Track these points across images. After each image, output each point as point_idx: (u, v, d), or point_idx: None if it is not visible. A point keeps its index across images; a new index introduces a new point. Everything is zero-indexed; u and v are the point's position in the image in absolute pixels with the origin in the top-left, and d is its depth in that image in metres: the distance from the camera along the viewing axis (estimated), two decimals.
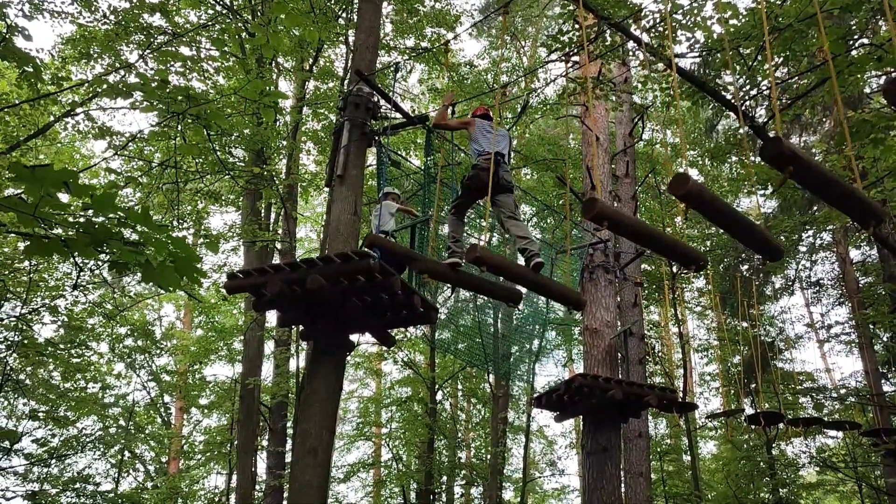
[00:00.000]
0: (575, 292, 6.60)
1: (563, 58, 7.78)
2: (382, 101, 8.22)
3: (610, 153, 12.32)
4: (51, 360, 22.11)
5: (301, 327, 7.70)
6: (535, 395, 11.14)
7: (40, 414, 23.17)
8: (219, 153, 10.95)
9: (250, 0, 15.67)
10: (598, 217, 4.70)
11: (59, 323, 22.00)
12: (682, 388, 15.18)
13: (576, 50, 8.08)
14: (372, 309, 7.15)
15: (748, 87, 8.22)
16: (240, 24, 15.02)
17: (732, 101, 7.71)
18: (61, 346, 22.68)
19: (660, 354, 19.78)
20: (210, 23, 16.56)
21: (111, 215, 2.55)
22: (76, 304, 22.02)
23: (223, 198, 13.25)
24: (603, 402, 9.99)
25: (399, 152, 14.54)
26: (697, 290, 20.33)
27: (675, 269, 17.68)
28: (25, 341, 21.30)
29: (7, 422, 23.64)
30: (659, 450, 21.49)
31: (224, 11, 15.69)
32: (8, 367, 21.80)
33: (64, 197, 2.68)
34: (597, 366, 10.75)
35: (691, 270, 5.11)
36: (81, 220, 2.52)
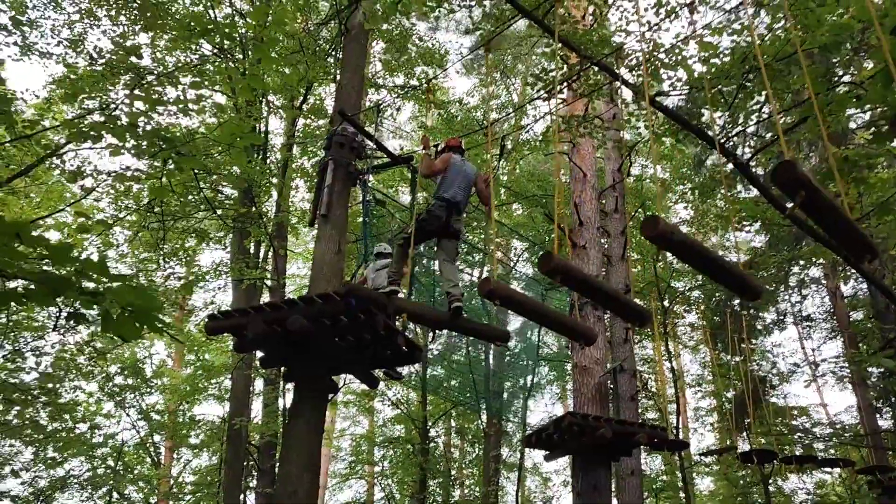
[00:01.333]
0: (588, 327, 6.52)
1: (547, 95, 7.81)
2: (368, 141, 8.25)
3: (598, 189, 12.35)
4: (38, 400, 21.88)
5: (284, 368, 7.62)
6: (526, 435, 11.01)
7: (28, 455, 22.85)
8: (205, 192, 10.95)
9: (239, 40, 15.81)
10: (553, 272, 4.69)
11: (44, 365, 21.82)
12: (675, 425, 15.07)
13: (560, 88, 8.13)
14: (355, 349, 7.08)
15: (730, 124, 8.27)
16: (229, 65, 15.13)
17: (716, 137, 7.74)
18: (48, 386, 22.46)
19: (653, 390, 19.65)
20: (198, 63, 16.71)
21: (69, 266, 2.51)
22: (64, 345, 21.87)
23: (211, 236, 13.20)
24: (593, 441, 9.88)
25: (385, 191, 14.57)
26: (689, 326, 20.29)
27: (666, 304, 17.66)
28: (12, 382, 21.09)
29: None
30: (654, 487, 21.24)
31: (214, 52, 15.82)
32: None
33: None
34: (587, 403, 10.65)
35: (636, 325, 5.09)
36: (38, 270, 2.47)
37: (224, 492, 12.90)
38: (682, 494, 21.32)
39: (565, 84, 8.02)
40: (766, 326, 20.33)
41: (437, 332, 7.84)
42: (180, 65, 16.10)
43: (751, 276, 4.70)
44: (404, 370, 23.05)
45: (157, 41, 15.64)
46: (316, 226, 7.78)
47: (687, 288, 19.11)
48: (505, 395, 18.31)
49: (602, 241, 12.16)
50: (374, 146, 8.11)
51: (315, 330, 6.55)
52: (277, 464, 14.06)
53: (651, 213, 4.30)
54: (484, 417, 19.01)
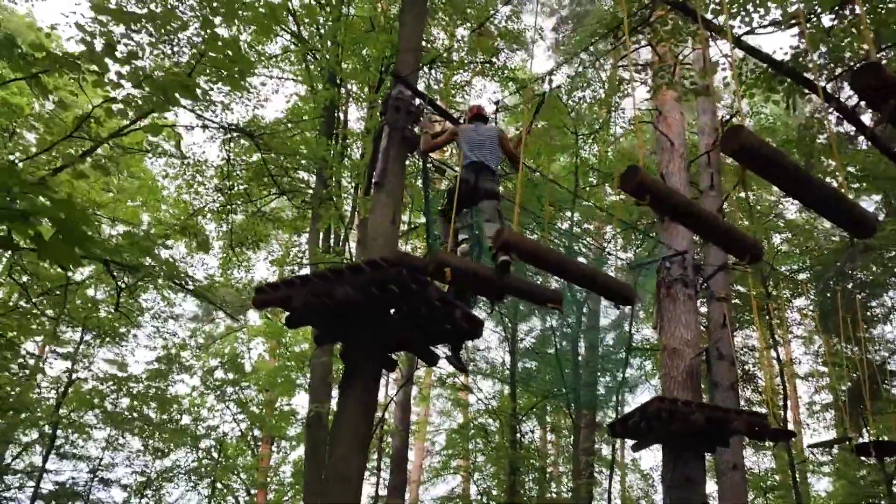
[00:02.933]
0: (625, 286, 5.81)
1: (615, 42, 7.12)
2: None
3: (686, 160, 11.44)
4: (147, 392, 22.68)
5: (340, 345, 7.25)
6: (611, 423, 10.26)
7: (137, 445, 23.71)
8: (275, 175, 10.79)
9: (318, 29, 15.66)
10: (638, 190, 4.02)
11: (151, 359, 22.57)
12: (782, 417, 13.89)
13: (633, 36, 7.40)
14: (409, 323, 6.59)
15: (832, 65, 7.31)
16: (309, 53, 15.00)
17: (817, 81, 6.84)
18: (156, 381, 23.26)
19: (758, 381, 18.33)
20: (282, 53, 16.71)
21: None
22: (168, 339, 22.55)
23: (288, 221, 13.09)
24: (683, 428, 9.06)
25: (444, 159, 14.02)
26: (798, 311, 18.80)
27: (770, 288, 16.39)
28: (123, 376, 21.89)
29: (106, 454, 24.33)
30: (763, 485, 19.85)
31: (292, 41, 15.75)
32: (107, 403, 22.45)
33: None
34: (677, 388, 9.81)
35: (745, 261, 4.33)
36: None
37: (305, 483, 12.70)
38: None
39: (644, 25, 7.28)
40: (886, 311, 18.59)
41: (494, 301, 7.26)
42: (262, 57, 16.16)
43: (859, 205, 3.89)
44: (497, 358, 22.57)
45: (240, 33, 15.71)
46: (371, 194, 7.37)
47: (793, 270, 17.70)
48: (601, 389, 17.50)
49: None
50: (433, 109, 7.63)
51: (363, 301, 6.12)
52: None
53: (735, 124, 3.59)
54: (574, 410, 18.20)
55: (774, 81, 7.26)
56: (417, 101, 7.68)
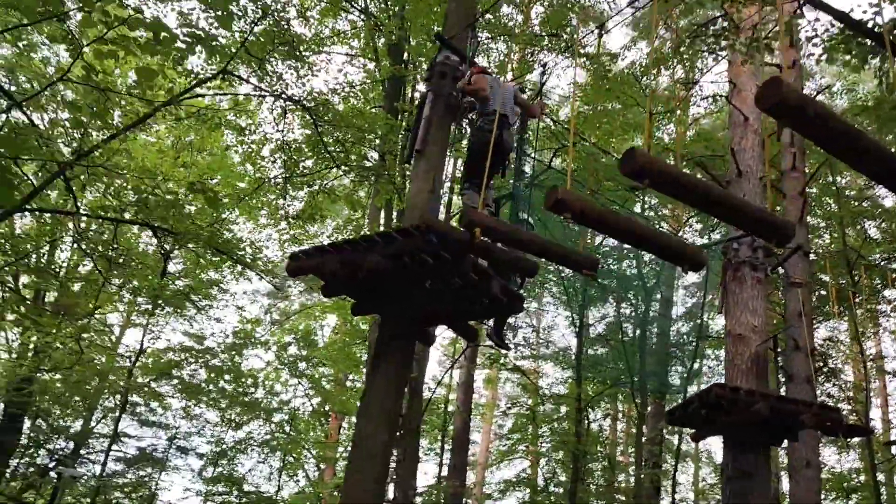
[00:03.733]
0: (696, 250, 5.26)
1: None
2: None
3: (762, 136, 10.73)
4: (223, 366, 23.38)
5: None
6: (668, 410, 9.79)
7: (213, 417, 24.44)
8: (330, 149, 10.70)
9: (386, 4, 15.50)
10: (638, 173, 3.67)
11: (227, 333, 23.18)
12: (865, 413, 13.04)
13: None
14: (445, 296, 6.35)
15: None
16: (375, 27, 14.87)
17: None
18: (231, 355, 23.92)
19: (843, 377, 17.31)
20: (349, 30, 16.64)
21: None
22: (243, 313, 23.08)
23: (343, 195, 13.05)
24: (744, 418, 8.53)
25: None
26: (888, 303, 17.61)
27: (857, 277, 15.38)
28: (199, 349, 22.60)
29: (184, 422, 25.18)
30: (844, 486, 18.79)
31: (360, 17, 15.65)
32: (184, 374, 23.24)
33: None
34: (741, 377, 9.23)
35: (773, 243, 3.89)
36: None
37: None
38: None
39: None
40: None
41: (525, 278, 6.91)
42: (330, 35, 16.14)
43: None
44: (564, 343, 22.11)
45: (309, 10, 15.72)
46: (412, 163, 7.14)
47: (885, 259, 16.57)
48: (676, 380, 16.93)
49: (765, 195, 10.56)
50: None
51: (395, 270, 5.91)
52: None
53: (774, 76, 3.15)
54: (639, 398, 17.63)
55: (852, 44, 6.63)
56: (465, 66, 7.39)
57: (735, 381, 9.27)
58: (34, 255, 16.04)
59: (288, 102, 10.23)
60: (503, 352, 22.46)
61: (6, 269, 15.82)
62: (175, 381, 23.13)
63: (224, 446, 25.87)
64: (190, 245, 9.95)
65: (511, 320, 20.16)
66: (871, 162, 3.48)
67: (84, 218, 9.68)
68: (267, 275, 13.66)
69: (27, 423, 20.07)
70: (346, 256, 6.02)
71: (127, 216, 9.10)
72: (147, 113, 8.47)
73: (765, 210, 4.32)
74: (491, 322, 7.11)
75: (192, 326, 25.23)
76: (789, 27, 11.23)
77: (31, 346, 18.24)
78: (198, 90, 9.59)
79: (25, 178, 7.63)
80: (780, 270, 11.31)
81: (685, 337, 18.06)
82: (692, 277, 18.62)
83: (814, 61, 10.40)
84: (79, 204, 8.58)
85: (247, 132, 12.34)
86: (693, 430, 9.63)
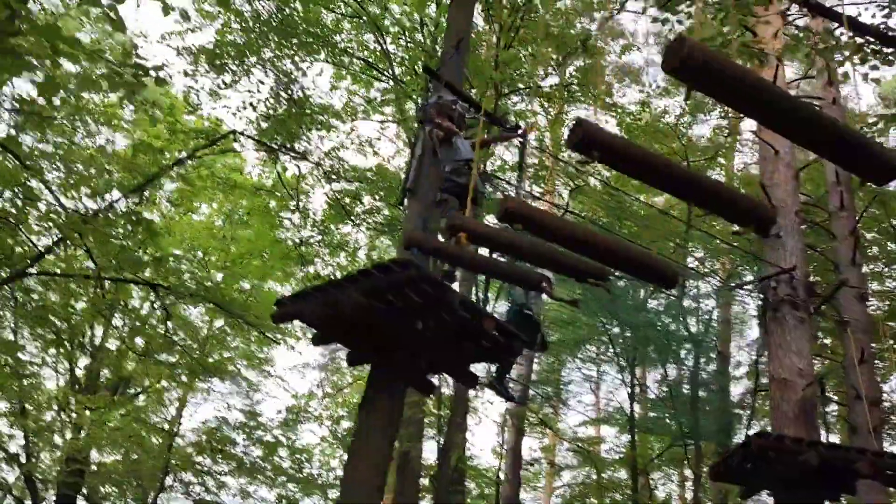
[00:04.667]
0: (666, 265, 4.83)
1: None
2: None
3: (794, 168, 10.17)
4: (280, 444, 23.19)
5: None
6: (711, 465, 9.04)
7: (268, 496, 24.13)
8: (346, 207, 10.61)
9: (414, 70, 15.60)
10: (509, 217, 3.42)
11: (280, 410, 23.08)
12: None
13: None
14: (437, 336, 5.97)
15: None
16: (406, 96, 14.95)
17: None
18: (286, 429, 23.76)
19: None
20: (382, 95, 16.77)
21: None
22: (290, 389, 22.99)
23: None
24: (792, 470, 7.76)
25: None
26: None
27: None
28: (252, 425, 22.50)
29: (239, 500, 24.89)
30: None
31: None
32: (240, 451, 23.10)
33: None
34: (787, 425, 8.48)
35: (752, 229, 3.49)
36: None
37: None
38: None
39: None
40: None
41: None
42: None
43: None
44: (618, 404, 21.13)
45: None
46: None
47: None
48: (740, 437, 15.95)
49: (802, 227, 9.95)
50: (473, 109, 7.12)
51: (379, 311, 5.60)
52: None
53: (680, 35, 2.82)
54: (693, 457, 16.55)
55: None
56: (459, 105, 7.21)
57: (781, 429, 8.51)
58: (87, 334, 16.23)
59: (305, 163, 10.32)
60: (556, 418, 21.67)
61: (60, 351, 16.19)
62: (228, 460, 23.01)
63: None
64: (187, 300, 9.88)
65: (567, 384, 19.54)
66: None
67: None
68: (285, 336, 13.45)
69: None
70: (329, 297, 5.75)
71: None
72: (157, 172, 8.56)
73: (738, 192, 3.90)
74: (493, 368, 6.68)
75: (247, 401, 25.30)
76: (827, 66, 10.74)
77: (85, 427, 18.32)
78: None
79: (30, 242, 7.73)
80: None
81: (747, 396, 17.08)
82: (754, 332, 17.73)
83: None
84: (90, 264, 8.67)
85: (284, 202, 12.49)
86: (740, 488, 8.85)
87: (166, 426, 22.21)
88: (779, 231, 9.52)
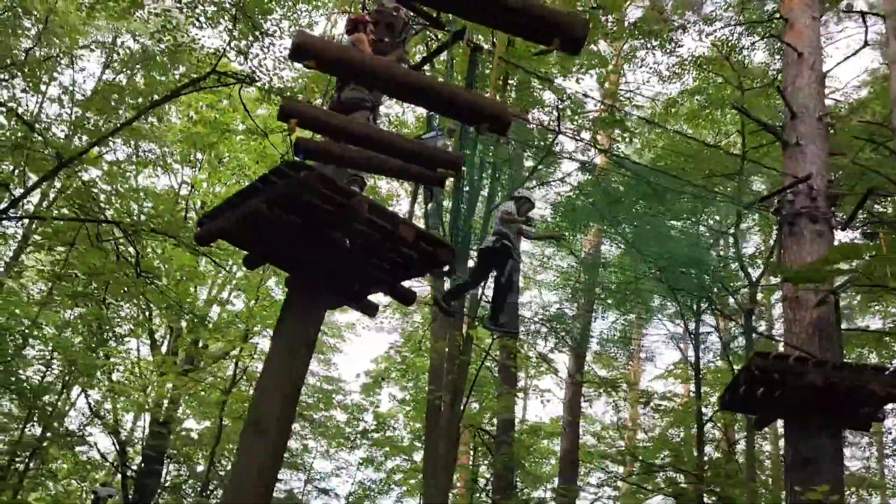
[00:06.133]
0: (444, 153, 4.38)
1: None
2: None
3: (819, 72, 9.14)
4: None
5: None
6: (720, 395, 8.32)
7: None
8: None
9: None
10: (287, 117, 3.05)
11: None
12: None
13: None
14: (356, 250, 5.66)
15: None
16: None
17: None
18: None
19: None
20: None
21: None
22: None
23: None
24: (796, 393, 7.03)
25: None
26: None
27: None
28: None
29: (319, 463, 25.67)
30: None
31: None
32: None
33: None
34: (801, 347, 7.69)
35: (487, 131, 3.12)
36: None
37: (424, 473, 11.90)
38: None
39: None
40: None
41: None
42: None
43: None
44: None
45: None
46: None
47: None
48: None
49: (831, 131, 8.95)
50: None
51: (290, 220, 5.35)
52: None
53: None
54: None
55: None
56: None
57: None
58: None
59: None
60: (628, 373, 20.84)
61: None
62: (312, 424, 23.68)
63: (365, 487, 25.88)
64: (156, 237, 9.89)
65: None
66: None
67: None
68: None
69: (168, 468, 20.95)
70: (240, 211, 5.54)
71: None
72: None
73: (464, 90, 3.48)
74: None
75: (327, 368, 25.88)
76: None
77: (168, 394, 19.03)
78: None
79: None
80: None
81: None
82: None
83: None
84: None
85: None
86: (754, 417, 8.15)
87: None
88: (797, 139, 8.63)
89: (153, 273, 10.01)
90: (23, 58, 10.33)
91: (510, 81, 12.48)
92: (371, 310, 6.35)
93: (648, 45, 15.19)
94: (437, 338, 12.01)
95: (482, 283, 8.05)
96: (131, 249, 9.34)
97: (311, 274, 5.73)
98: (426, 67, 8.90)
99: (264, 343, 20.08)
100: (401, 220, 5.51)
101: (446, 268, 6.47)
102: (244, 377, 19.16)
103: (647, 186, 12.43)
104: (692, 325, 16.38)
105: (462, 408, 11.93)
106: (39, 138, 8.61)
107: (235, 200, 5.61)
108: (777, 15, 10.48)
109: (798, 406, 7.25)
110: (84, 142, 9.37)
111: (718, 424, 16.32)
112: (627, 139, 15.39)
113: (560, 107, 11.06)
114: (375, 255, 5.73)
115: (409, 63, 6.20)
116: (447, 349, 11.21)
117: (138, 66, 11.47)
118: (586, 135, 14.12)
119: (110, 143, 10.61)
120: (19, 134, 9.31)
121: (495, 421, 16.80)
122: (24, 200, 9.33)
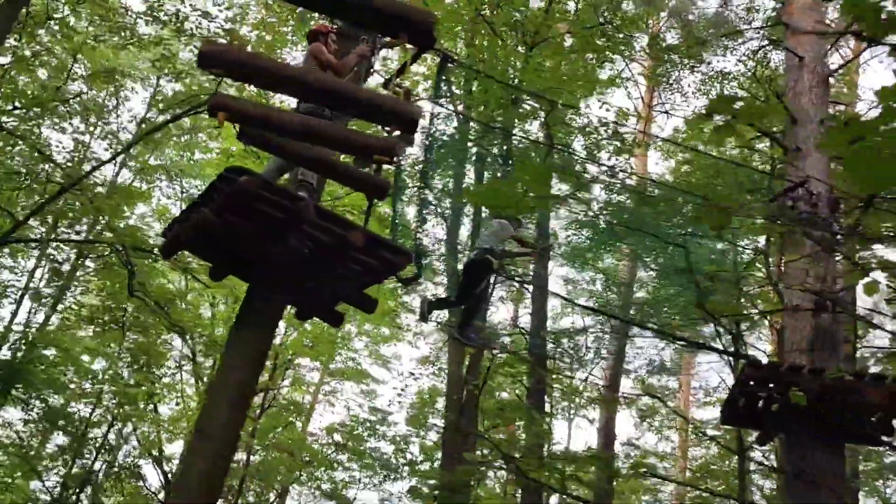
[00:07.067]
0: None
1: None
2: None
3: (822, 76, 8.81)
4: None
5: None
6: (722, 409, 7.96)
7: None
8: None
9: None
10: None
11: None
12: None
13: None
14: (315, 259, 5.66)
15: None
16: None
17: None
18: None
19: None
20: None
21: None
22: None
23: None
24: (789, 404, 6.67)
25: None
26: None
27: None
28: None
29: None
30: None
31: None
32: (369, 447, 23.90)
33: None
34: (800, 357, 7.33)
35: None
36: None
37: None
38: None
39: None
40: None
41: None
42: None
43: None
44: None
45: None
46: None
47: None
48: None
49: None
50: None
51: (244, 227, 5.40)
52: None
53: None
54: None
55: None
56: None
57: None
58: None
59: None
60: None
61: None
62: (355, 455, 23.74)
63: None
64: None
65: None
66: None
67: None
68: None
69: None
70: (193, 220, 5.62)
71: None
72: None
73: (368, 90, 3.49)
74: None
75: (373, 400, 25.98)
76: None
77: None
78: None
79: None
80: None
81: None
82: None
83: None
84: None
85: None
86: (757, 432, 7.73)
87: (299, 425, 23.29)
88: (797, 145, 8.34)
89: (146, 293, 10.20)
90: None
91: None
92: (335, 319, 6.34)
93: (680, 65, 15.14)
94: (452, 361, 11.95)
95: (469, 300, 7.94)
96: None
97: (268, 282, 5.76)
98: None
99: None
100: (352, 225, 5.52)
101: (417, 277, 6.42)
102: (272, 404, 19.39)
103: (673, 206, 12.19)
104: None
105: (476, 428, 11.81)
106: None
107: (188, 210, 5.72)
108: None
109: (796, 418, 6.88)
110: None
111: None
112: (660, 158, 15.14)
113: (546, 121, 10.93)
114: (333, 262, 5.73)
115: (370, 58, 6.18)
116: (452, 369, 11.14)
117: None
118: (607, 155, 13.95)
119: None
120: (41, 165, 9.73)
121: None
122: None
